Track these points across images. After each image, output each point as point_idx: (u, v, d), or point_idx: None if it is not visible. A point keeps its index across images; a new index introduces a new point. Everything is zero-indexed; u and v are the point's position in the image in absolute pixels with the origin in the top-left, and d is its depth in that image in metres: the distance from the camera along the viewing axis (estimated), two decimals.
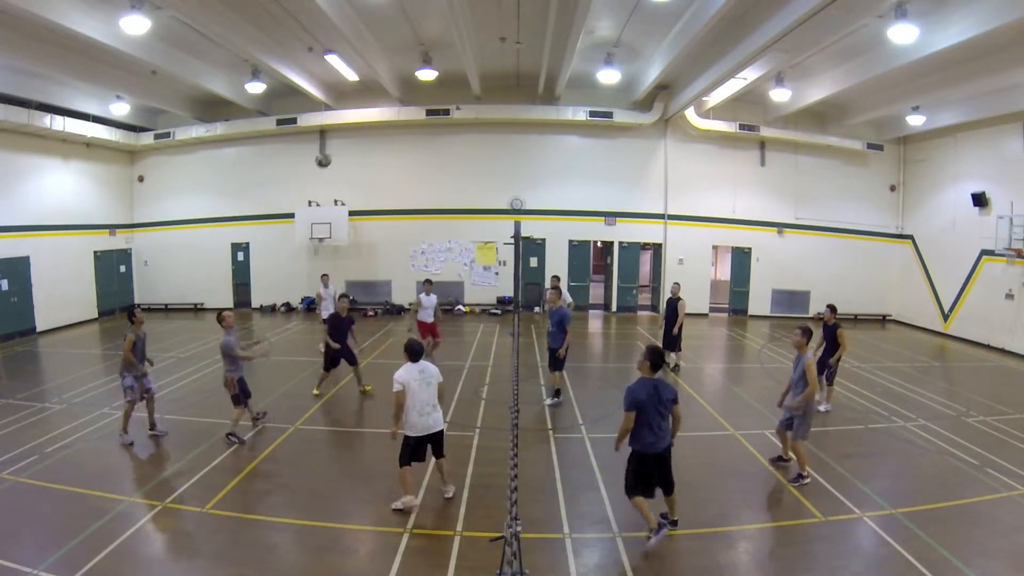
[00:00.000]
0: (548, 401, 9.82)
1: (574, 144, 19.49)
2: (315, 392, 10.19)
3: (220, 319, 8.18)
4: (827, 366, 9.50)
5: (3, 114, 14.39)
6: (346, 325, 10.24)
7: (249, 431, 8.39)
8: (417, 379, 5.95)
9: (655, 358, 5.52)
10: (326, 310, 12.71)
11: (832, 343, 9.56)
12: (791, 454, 7.11)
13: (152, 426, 8.24)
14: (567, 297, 12.36)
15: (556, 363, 9.74)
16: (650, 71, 15.69)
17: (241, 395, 8.14)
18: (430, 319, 11.90)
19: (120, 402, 8.66)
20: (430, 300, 11.86)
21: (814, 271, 19.59)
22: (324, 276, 13.64)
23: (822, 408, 9.40)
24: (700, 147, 19.34)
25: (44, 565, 5.02)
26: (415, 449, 6.07)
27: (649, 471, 5.49)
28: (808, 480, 6.85)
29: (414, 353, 6.10)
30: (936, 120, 16.55)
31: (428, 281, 12.40)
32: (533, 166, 19.46)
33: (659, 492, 5.65)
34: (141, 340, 8.21)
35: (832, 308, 9.86)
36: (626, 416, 5.41)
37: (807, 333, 7.03)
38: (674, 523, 5.76)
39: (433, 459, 6.33)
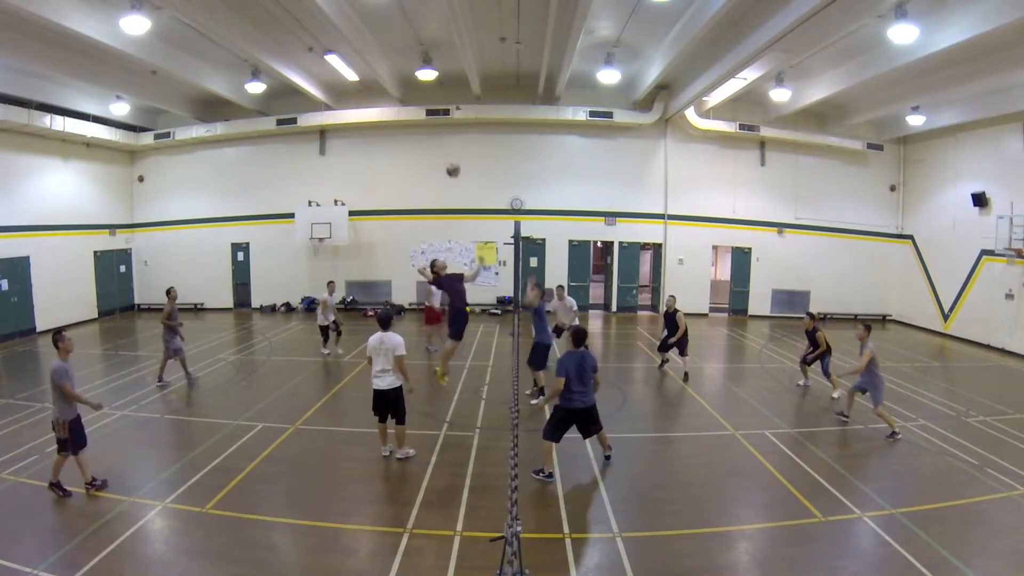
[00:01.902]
0: (534, 401, 9.68)
1: (574, 144, 19.49)
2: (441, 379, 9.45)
3: (57, 340, 6.53)
4: (817, 363, 10.89)
5: (3, 114, 14.39)
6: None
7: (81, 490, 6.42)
8: (376, 346, 7.14)
9: (578, 336, 7.08)
10: (326, 317, 13.06)
11: (815, 345, 10.77)
12: (849, 413, 9.08)
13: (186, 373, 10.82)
14: (570, 302, 12.37)
15: (537, 360, 9.60)
16: (650, 71, 15.69)
17: (72, 440, 6.32)
18: (438, 305, 13.18)
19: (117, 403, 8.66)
20: (436, 294, 12.96)
21: (814, 271, 19.60)
22: (330, 283, 13.50)
23: (835, 395, 10.39)
24: (700, 147, 19.34)
25: (44, 565, 5.02)
26: (375, 405, 7.29)
27: (568, 424, 6.95)
28: (900, 436, 8.29)
29: (380, 322, 7.25)
30: (936, 120, 16.55)
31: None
32: (533, 166, 19.46)
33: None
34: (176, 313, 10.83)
35: (810, 315, 11.27)
36: (556, 380, 6.83)
37: (868, 328, 8.82)
38: (607, 458, 7.37)
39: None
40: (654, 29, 13.29)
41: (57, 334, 6.62)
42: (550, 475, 6.92)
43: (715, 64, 13.58)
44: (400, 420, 7.36)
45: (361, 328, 16.21)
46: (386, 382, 7.18)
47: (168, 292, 11.38)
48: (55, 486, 6.32)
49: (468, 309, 9.84)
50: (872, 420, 9.19)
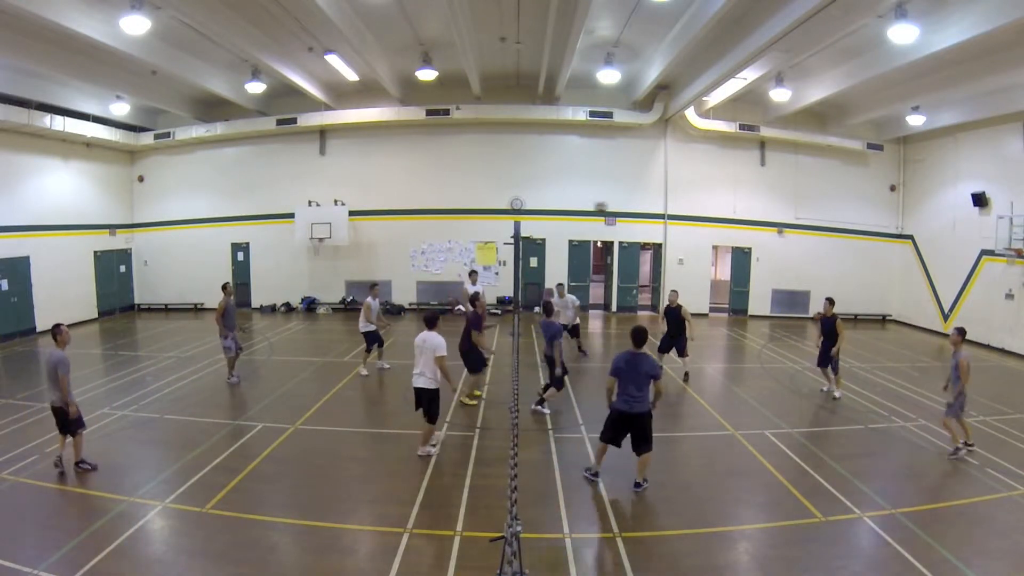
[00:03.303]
0: (540, 408, 9.50)
1: (574, 144, 19.48)
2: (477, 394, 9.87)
3: (56, 333, 7.02)
4: (830, 358, 10.31)
5: (3, 114, 14.39)
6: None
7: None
8: (420, 344, 7.35)
9: (636, 336, 6.59)
10: (366, 325, 11.57)
11: (832, 334, 10.25)
12: (964, 439, 7.89)
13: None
14: (571, 299, 12.34)
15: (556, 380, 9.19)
16: (650, 71, 15.69)
17: (78, 420, 6.96)
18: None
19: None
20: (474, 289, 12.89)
21: (814, 271, 19.58)
22: (374, 286, 12.28)
23: (837, 395, 10.24)
24: (700, 147, 19.34)
25: (44, 565, 5.02)
26: (415, 399, 7.51)
27: (620, 427, 6.54)
28: (963, 452, 7.68)
29: (425, 322, 7.55)
30: (936, 120, 16.55)
31: (473, 272, 13.99)
32: (533, 166, 19.46)
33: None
34: (230, 309, 10.63)
35: (831, 301, 10.62)
36: (608, 378, 6.59)
37: (962, 332, 8.18)
38: (638, 485, 6.62)
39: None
40: (654, 29, 13.28)
41: (55, 327, 7.13)
42: (596, 474, 6.80)
43: (715, 64, 13.57)
44: (430, 420, 7.46)
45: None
46: (421, 382, 7.35)
47: (224, 287, 10.96)
48: (82, 462, 6.96)
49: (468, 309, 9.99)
50: (872, 420, 9.20)
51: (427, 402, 7.40)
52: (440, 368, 7.26)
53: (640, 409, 6.44)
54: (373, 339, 11.70)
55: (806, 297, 19.76)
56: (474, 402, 9.71)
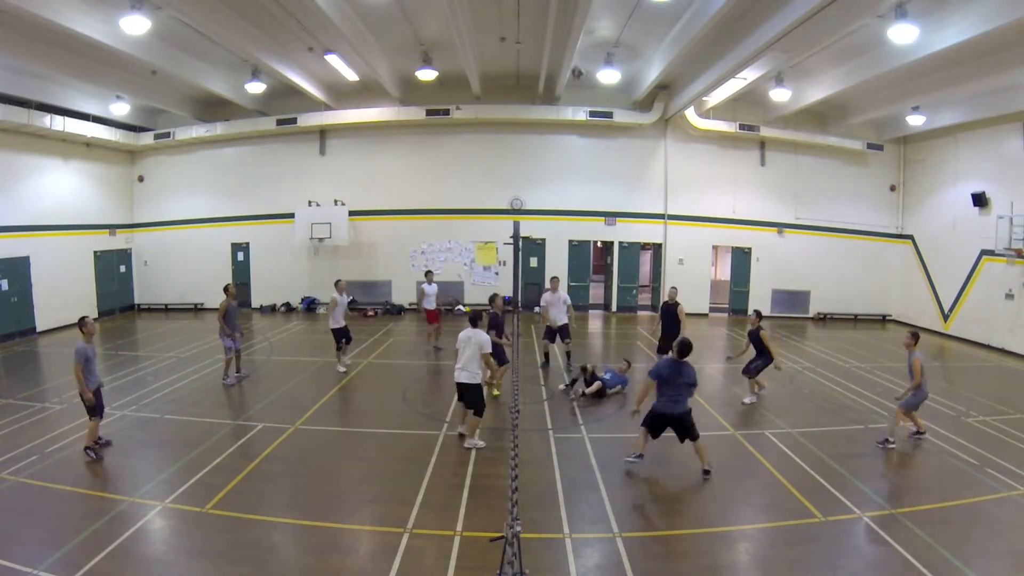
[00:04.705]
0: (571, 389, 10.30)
1: (574, 144, 19.48)
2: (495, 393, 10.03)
3: (81, 325, 7.59)
4: (752, 365, 10.18)
5: (3, 114, 14.39)
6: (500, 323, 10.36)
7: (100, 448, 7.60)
8: (465, 341, 7.70)
9: (682, 348, 7.13)
10: (336, 320, 11.71)
11: (758, 346, 10.09)
12: (923, 426, 8.37)
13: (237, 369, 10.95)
14: (564, 296, 12.36)
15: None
16: (650, 71, 15.69)
17: (98, 406, 7.50)
18: (432, 307, 13.88)
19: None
20: (432, 288, 13.88)
21: (814, 271, 19.60)
22: (339, 282, 12.21)
23: (746, 400, 10.13)
24: (700, 147, 19.34)
25: (44, 565, 5.02)
26: (458, 393, 7.89)
27: (660, 424, 7.05)
28: (894, 444, 8.02)
29: (471, 321, 7.90)
30: (936, 120, 16.55)
31: (429, 272, 14.65)
32: (533, 166, 19.46)
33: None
34: (233, 310, 10.75)
35: (757, 313, 10.58)
36: (647, 381, 7.14)
37: (915, 336, 8.42)
38: (706, 472, 6.98)
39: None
40: (654, 29, 13.28)
41: (81, 319, 7.67)
42: (640, 456, 7.10)
43: (715, 64, 13.57)
44: (477, 413, 7.79)
45: (360, 328, 16.22)
46: (463, 376, 7.68)
47: (225, 289, 11.01)
48: (90, 449, 7.37)
49: (467, 308, 10.19)
50: (872, 420, 9.21)
51: (471, 395, 7.72)
52: (487, 363, 7.77)
53: (681, 410, 6.97)
54: (341, 335, 11.85)
55: (806, 297, 19.78)
56: (497, 392, 10.01)
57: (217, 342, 10.91)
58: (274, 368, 12.27)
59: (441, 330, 14.15)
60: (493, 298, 10.57)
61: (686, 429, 7.01)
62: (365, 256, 19.83)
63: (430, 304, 13.80)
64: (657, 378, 6.99)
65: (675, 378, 6.93)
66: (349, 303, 12.65)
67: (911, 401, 8.16)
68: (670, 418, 6.97)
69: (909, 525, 5.88)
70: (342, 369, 11.80)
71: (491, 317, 9.95)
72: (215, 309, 10.98)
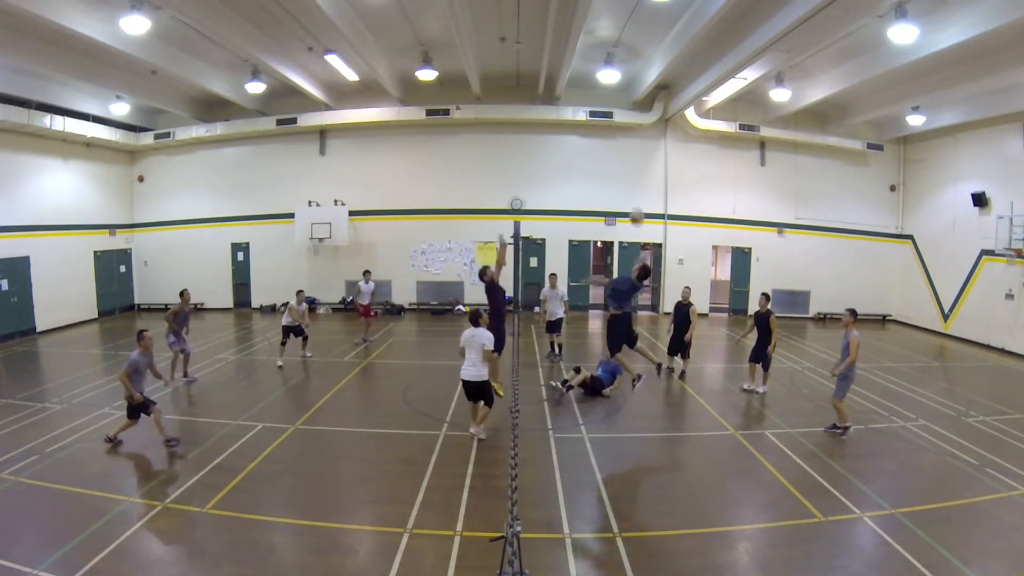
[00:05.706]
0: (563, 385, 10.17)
1: (574, 144, 19.48)
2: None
3: (139, 339, 8.03)
4: (763, 355, 10.43)
5: (3, 114, 14.39)
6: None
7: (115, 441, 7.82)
8: (468, 339, 7.87)
9: (642, 273, 8.13)
10: (288, 321, 12.59)
11: (765, 331, 10.39)
12: (846, 422, 8.41)
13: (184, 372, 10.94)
14: (562, 292, 12.44)
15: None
16: (650, 71, 15.69)
17: (144, 404, 7.80)
18: (367, 302, 14.88)
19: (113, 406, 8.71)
20: (368, 287, 14.85)
21: (814, 271, 19.59)
22: (300, 292, 13.22)
23: (760, 390, 10.43)
24: (700, 147, 19.33)
25: (44, 565, 5.02)
26: (465, 392, 8.11)
27: (619, 333, 8.20)
28: (843, 435, 8.23)
29: (471, 320, 8.09)
30: (936, 120, 16.54)
31: (367, 271, 15.31)
32: (533, 166, 19.45)
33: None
34: (184, 313, 11.02)
35: (766, 296, 10.78)
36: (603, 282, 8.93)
37: (853, 313, 8.63)
38: (638, 377, 8.25)
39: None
40: (654, 29, 13.28)
41: (139, 332, 8.11)
42: (640, 376, 8.38)
43: (715, 64, 13.57)
44: (488, 403, 8.05)
45: (360, 327, 16.18)
46: (470, 373, 7.87)
47: (181, 294, 11.50)
48: (111, 439, 7.76)
49: (467, 308, 10.07)
50: (872, 420, 9.20)
51: (480, 390, 7.93)
52: (488, 359, 7.94)
53: (628, 310, 8.45)
54: (291, 331, 12.61)
55: (806, 297, 19.77)
56: (500, 393, 9.22)
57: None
58: (274, 368, 12.26)
59: (371, 324, 15.29)
60: (484, 270, 10.03)
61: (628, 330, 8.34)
62: (365, 256, 19.77)
63: (365, 300, 14.87)
64: (613, 291, 8.20)
65: (630, 294, 8.24)
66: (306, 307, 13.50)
67: (843, 385, 8.36)
68: (624, 318, 8.24)
69: (909, 525, 5.87)
70: (280, 363, 12.31)
71: (489, 284, 9.81)
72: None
